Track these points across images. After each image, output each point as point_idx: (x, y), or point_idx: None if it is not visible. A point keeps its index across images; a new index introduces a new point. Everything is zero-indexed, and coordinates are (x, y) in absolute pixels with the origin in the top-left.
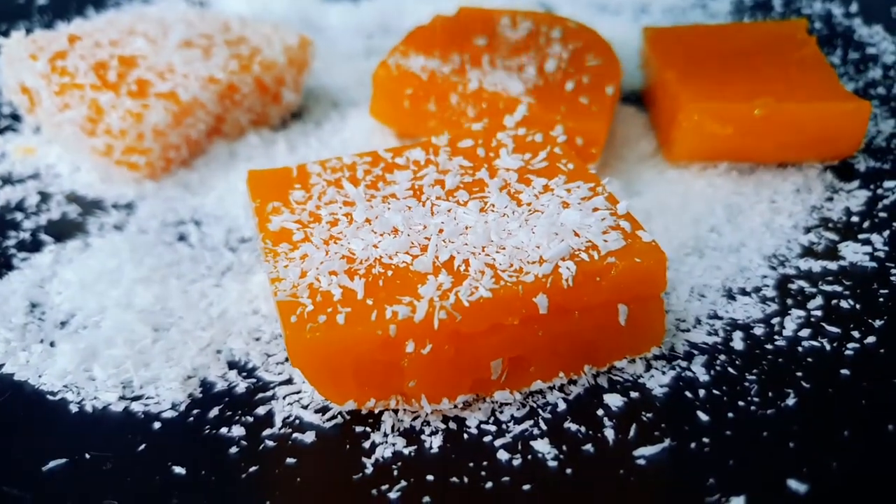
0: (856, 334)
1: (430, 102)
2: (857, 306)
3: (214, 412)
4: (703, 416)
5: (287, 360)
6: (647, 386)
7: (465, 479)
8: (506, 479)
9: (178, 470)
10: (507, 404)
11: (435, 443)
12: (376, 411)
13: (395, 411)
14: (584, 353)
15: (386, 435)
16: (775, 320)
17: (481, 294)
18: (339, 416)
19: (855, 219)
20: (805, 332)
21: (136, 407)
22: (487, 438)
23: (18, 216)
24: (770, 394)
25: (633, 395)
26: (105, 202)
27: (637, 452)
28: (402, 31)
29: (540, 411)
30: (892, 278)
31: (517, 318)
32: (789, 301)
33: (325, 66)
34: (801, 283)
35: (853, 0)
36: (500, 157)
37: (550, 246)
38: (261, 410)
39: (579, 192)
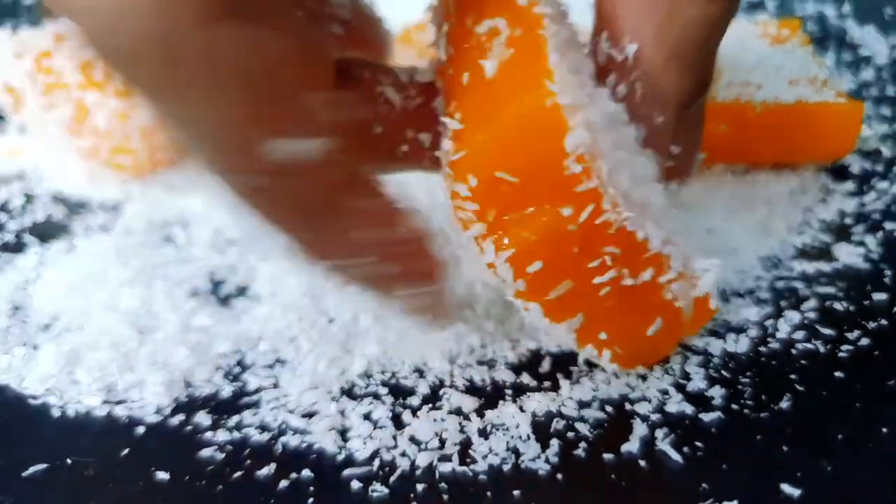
0: (850, 336)
1: None
2: (852, 308)
3: (199, 416)
4: (697, 420)
5: (273, 364)
6: (640, 388)
7: (454, 485)
8: (495, 484)
9: (162, 475)
10: (498, 407)
11: (423, 447)
12: (375, 417)
13: (388, 416)
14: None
15: (373, 439)
16: (769, 322)
17: None
18: (325, 419)
19: (849, 220)
20: (799, 335)
21: (120, 411)
22: (477, 442)
23: (2, 217)
24: (764, 396)
25: (626, 398)
26: (91, 203)
27: (629, 457)
28: (396, 32)
29: (531, 415)
30: (886, 280)
31: None
32: (783, 303)
33: None
34: (796, 284)
35: (846, 1)
36: None
37: None
38: (247, 415)
39: None
